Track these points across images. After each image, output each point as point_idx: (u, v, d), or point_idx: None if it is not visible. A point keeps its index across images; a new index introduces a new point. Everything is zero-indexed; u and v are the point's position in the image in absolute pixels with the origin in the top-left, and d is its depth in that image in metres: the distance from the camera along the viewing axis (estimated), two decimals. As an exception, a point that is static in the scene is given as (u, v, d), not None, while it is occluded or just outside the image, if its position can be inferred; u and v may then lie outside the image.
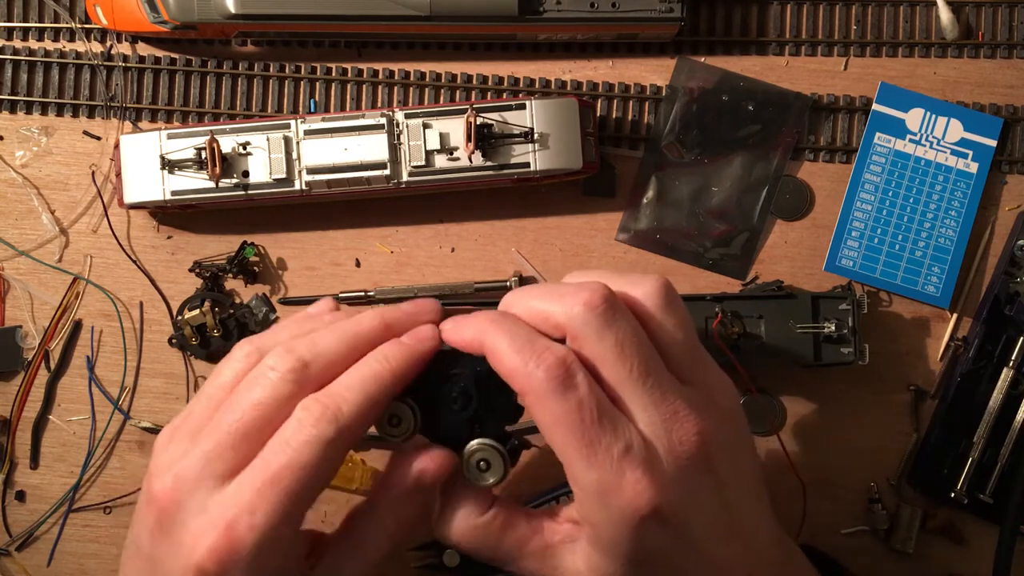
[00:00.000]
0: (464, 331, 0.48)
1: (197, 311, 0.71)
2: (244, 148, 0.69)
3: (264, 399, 0.46)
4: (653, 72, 0.76)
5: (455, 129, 0.69)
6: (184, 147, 0.69)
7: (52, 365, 0.74)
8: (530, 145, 0.69)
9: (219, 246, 0.74)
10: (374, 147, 0.69)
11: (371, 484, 0.71)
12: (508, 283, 0.72)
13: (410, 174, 0.69)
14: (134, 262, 0.74)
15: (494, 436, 0.48)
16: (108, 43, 0.75)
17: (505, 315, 0.48)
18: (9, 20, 0.75)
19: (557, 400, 0.44)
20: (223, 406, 0.47)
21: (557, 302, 0.46)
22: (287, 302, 0.74)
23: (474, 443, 0.48)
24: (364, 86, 0.75)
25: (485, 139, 0.68)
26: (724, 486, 0.46)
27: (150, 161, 0.69)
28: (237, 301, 0.74)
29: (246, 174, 0.69)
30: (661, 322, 0.47)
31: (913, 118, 0.74)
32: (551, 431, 0.44)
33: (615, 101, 0.75)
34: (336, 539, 0.50)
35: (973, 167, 0.74)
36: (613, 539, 0.45)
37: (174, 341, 0.73)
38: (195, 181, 0.69)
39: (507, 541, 0.48)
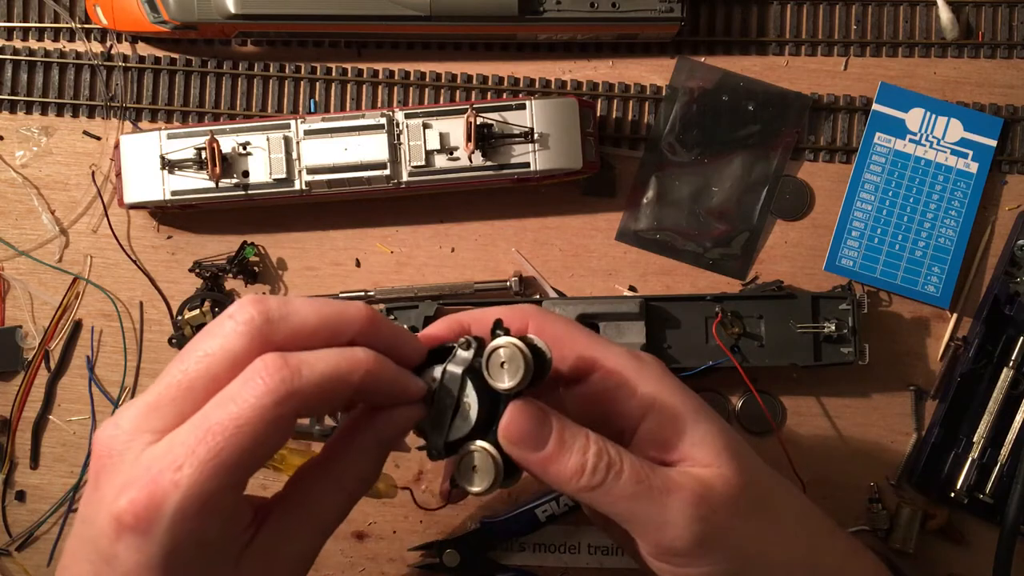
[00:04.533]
0: (435, 328, 0.50)
1: (197, 311, 0.71)
2: (244, 148, 0.69)
3: (214, 350, 0.42)
4: (653, 72, 0.76)
5: (455, 129, 0.69)
6: (184, 147, 0.69)
7: (52, 365, 0.74)
8: (530, 145, 0.69)
9: (219, 246, 0.74)
10: (374, 147, 0.69)
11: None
12: (508, 283, 0.72)
13: (410, 174, 0.69)
14: (134, 262, 0.74)
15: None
16: (108, 43, 0.75)
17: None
18: (9, 20, 0.75)
19: (557, 318, 0.50)
20: (176, 356, 0.43)
21: (503, 308, 0.51)
22: (287, 302, 0.74)
23: (487, 348, 0.44)
24: (364, 86, 0.75)
25: (485, 139, 0.68)
26: None
27: (150, 161, 0.69)
28: (237, 301, 0.74)
29: (246, 174, 0.69)
30: None
31: (913, 118, 0.74)
32: (566, 340, 0.49)
33: (615, 101, 0.75)
34: (283, 501, 0.46)
35: (973, 167, 0.74)
36: (678, 386, 0.49)
37: (174, 341, 0.73)
38: (195, 181, 0.69)
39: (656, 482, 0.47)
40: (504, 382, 0.43)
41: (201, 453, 0.40)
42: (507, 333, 0.44)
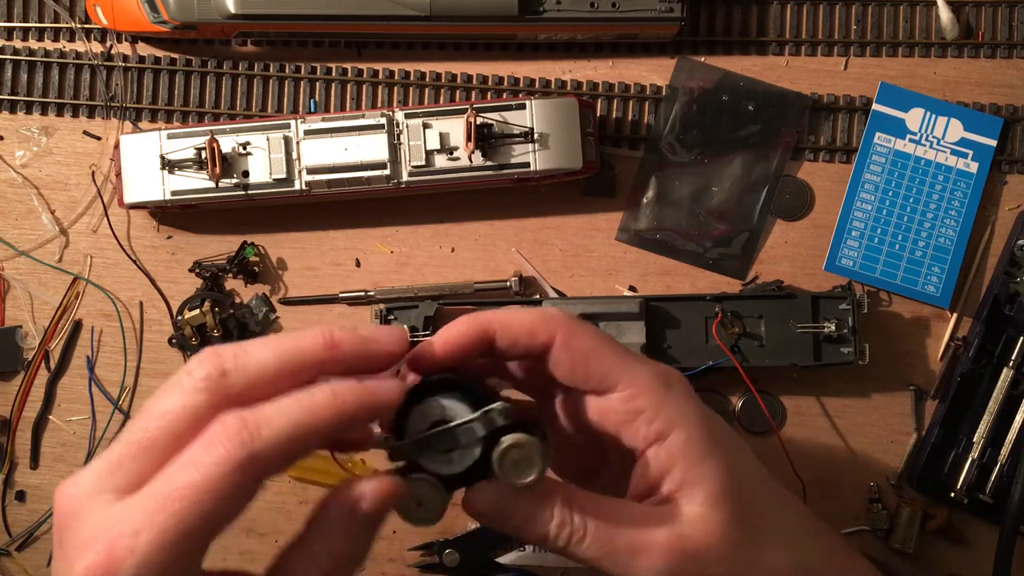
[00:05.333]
0: (456, 329, 0.47)
1: (197, 311, 0.71)
2: (244, 148, 0.69)
3: (173, 408, 0.41)
4: (653, 72, 0.76)
5: (455, 129, 0.69)
6: (184, 147, 0.69)
7: (52, 365, 0.73)
8: (530, 145, 0.69)
9: (219, 246, 0.74)
10: (374, 147, 0.69)
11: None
12: (508, 283, 0.72)
13: (410, 174, 0.69)
14: (134, 262, 0.74)
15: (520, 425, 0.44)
16: (108, 43, 0.75)
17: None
18: (9, 20, 0.75)
19: (586, 329, 0.47)
20: (136, 414, 0.42)
21: (534, 311, 0.48)
22: (287, 302, 0.74)
23: (507, 440, 0.44)
24: (364, 86, 0.75)
25: (485, 139, 0.68)
26: None
27: (150, 161, 0.69)
28: (237, 301, 0.74)
29: (246, 174, 0.69)
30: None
31: (913, 118, 0.74)
32: (593, 356, 0.47)
33: (615, 101, 0.75)
34: None
35: (973, 167, 0.74)
36: (698, 418, 0.47)
37: (174, 341, 0.73)
38: (195, 181, 0.69)
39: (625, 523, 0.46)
40: (513, 479, 0.44)
41: (159, 521, 0.39)
42: (529, 425, 0.44)
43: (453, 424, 0.44)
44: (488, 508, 0.45)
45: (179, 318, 0.73)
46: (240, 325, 0.73)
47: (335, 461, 0.58)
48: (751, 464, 0.49)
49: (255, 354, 0.42)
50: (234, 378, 0.41)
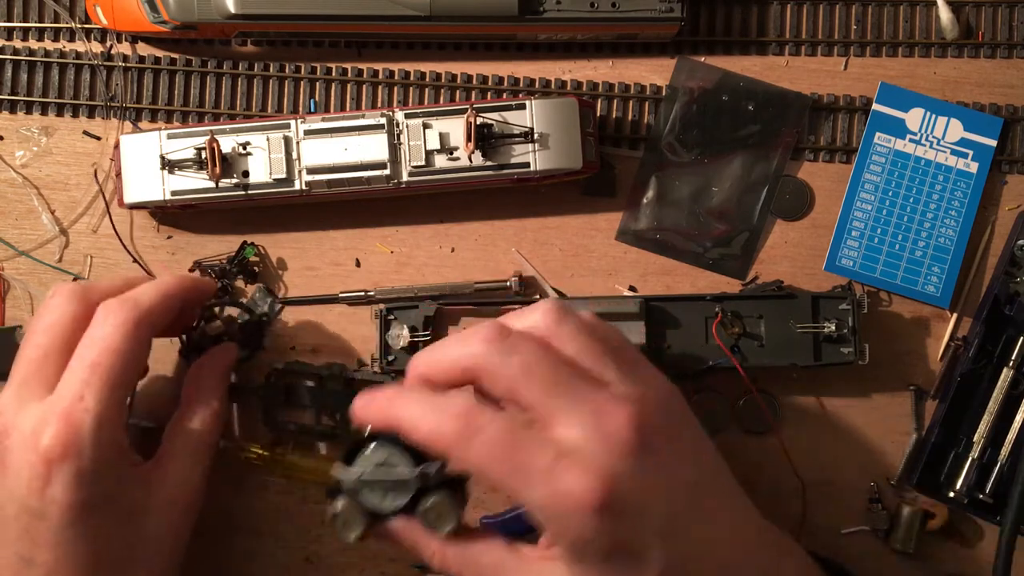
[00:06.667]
0: (373, 413, 0.50)
1: (219, 321, 0.69)
2: (244, 148, 0.69)
3: (55, 319, 0.54)
4: (653, 72, 0.76)
5: (455, 129, 0.69)
6: (184, 147, 0.69)
7: (52, 365, 0.73)
8: (530, 145, 0.69)
9: (219, 246, 0.74)
10: (374, 147, 0.69)
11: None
12: (508, 283, 0.72)
13: (410, 174, 0.69)
14: (136, 262, 0.74)
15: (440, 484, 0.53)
16: (108, 43, 0.75)
17: (403, 390, 0.50)
18: (9, 20, 0.75)
19: (473, 445, 0.46)
20: (24, 340, 0.55)
21: (459, 347, 0.48)
22: (287, 302, 0.74)
23: (431, 500, 0.52)
24: (364, 86, 0.75)
25: (485, 139, 0.68)
26: (672, 468, 0.47)
27: (150, 161, 0.69)
28: (243, 300, 0.73)
29: (246, 174, 0.69)
30: (557, 337, 0.49)
31: (913, 118, 0.74)
32: (484, 473, 0.46)
33: (615, 101, 0.75)
34: (166, 434, 0.61)
35: (973, 167, 0.74)
36: (580, 546, 0.46)
37: (184, 352, 0.70)
38: (195, 181, 0.69)
39: (485, 561, 0.51)
40: (429, 527, 0.52)
41: (94, 382, 0.51)
42: (456, 483, 0.53)
43: (393, 478, 0.52)
44: (389, 536, 0.53)
45: (201, 325, 0.69)
46: (258, 328, 0.72)
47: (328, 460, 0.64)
48: None
49: (105, 282, 0.60)
50: (91, 291, 0.56)
